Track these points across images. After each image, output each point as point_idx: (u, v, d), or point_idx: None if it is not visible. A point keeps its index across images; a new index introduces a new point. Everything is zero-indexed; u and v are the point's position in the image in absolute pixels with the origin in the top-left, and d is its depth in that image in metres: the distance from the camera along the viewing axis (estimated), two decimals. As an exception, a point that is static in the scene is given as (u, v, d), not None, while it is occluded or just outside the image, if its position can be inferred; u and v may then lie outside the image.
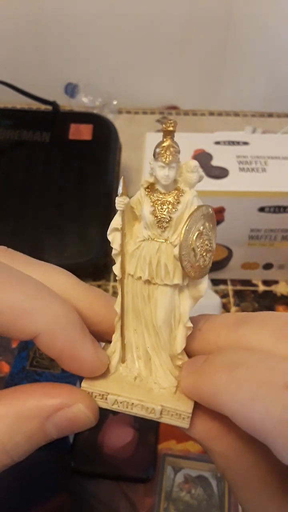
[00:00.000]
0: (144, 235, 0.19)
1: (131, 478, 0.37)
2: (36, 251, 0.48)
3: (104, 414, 0.39)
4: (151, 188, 0.19)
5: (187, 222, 0.18)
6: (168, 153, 0.18)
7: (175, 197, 0.18)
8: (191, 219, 0.18)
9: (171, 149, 0.18)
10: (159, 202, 0.18)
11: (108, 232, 0.20)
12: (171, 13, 0.71)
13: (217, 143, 0.48)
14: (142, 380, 0.20)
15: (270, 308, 0.51)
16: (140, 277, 0.19)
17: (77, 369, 0.19)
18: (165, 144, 0.18)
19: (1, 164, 0.55)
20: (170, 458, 0.38)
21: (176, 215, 0.18)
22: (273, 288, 0.53)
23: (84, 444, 0.38)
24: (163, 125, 0.18)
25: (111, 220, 0.19)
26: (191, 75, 0.78)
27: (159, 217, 0.18)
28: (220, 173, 0.45)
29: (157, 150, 0.18)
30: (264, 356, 0.16)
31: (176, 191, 0.18)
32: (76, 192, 0.53)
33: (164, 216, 0.18)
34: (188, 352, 0.20)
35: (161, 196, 0.18)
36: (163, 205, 0.18)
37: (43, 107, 0.63)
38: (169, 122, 0.18)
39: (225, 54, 0.75)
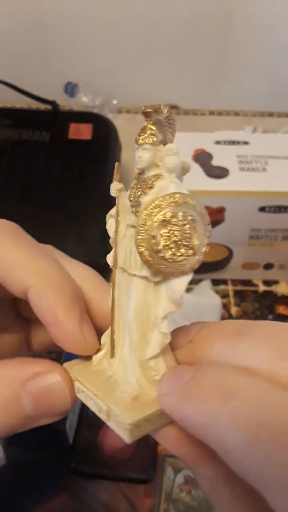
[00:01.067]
0: (127, 222, 0.19)
1: (131, 479, 0.37)
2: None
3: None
4: (139, 175, 0.18)
5: (150, 206, 0.17)
6: (142, 135, 0.17)
7: (150, 182, 0.17)
8: (156, 203, 0.17)
9: (147, 131, 0.17)
10: (136, 186, 0.18)
11: (106, 220, 0.19)
12: (171, 13, 0.71)
13: (218, 142, 0.48)
14: (115, 381, 0.18)
15: (271, 308, 0.51)
16: (119, 265, 0.18)
17: (59, 339, 0.18)
18: (144, 126, 0.18)
19: (1, 163, 0.55)
20: (170, 459, 0.38)
21: (145, 200, 0.17)
22: (273, 288, 0.52)
23: (84, 445, 0.38)
24: (143, 108, 0.18)
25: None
26: (191, 75, 0.78)
27: (131, 201, 0.18)
28: (220, 172, 0.45)
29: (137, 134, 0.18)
30: (266, 387, 0.14)
31: (155, 176, 0.17)
32: (76, 192, 0.53)
33: (135, 200, 0.18)
34: None
35: (140, 181, 0.18)
36: (138, 190, 0.18)
37: (42, 106, 0.63)
38: (152, 105, 0.17)
39: (225, 53, 0.75)
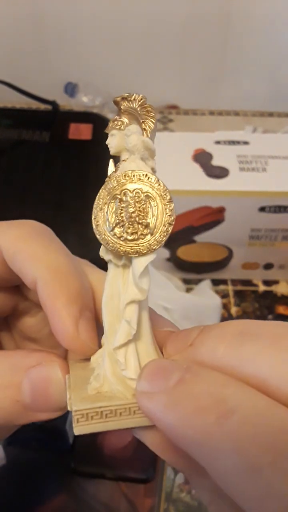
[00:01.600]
0: None
1: (131, 478, 0.37)
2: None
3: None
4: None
5: (108, 184, 0.17)
6: (110, 122, 0.18)
7: (118, 165, 0.18)
8: (110, 181, 0.17)
9: (116, 117, 0.18)
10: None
11: None
12: (171, 12, 0.71)
13: (218, 142, 0.48)
14: (97, 374, 0.17)
15: (271, 308, 0.51)
16: None
17: (55, 332, 0.18)
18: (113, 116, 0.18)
19: (1, 163, 0.55)
20: (170, 459, 0.38)
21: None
22: (273, 288, 0.52)
23: (84, 445, 0.38)
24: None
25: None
26: (191, 75, 0.78)
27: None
28: (220, 172, 0.45)
29: None
30: (267, 403, 0.12)
31: (123, 160, 0.17)
32: (75, 192, 0.53)
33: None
34: None
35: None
36: (109, 178, 0.18)
37: (42, 106, 0.63)
38: (122, 95, 0.17)
39: (225, 53, 0.75)
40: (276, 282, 0.53)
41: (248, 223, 0.46)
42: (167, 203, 0.16)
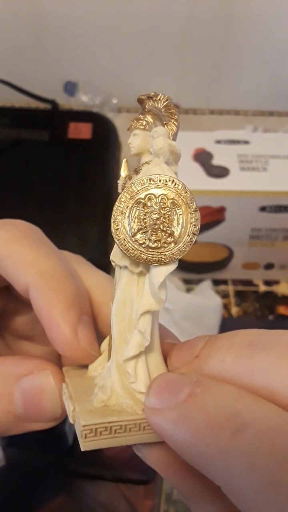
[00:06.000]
0: None
1: (131, 480, 0.37)
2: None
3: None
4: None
5: (128, 188, 0.16)
6: (133, 121, 0.17)
7: (138, 168, 0.17)
8: (134, 184, 0.16)
9: (140, 116, 0.17)
10: (128, 175, 0.17)
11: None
12: (172, 11, 0.70)
13: (218, 142, 0.48)
14: (101, 387, 0.17)
15: (271, 308, 0.51)
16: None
17: (53, 340, 0.17)
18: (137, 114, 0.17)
19: (0, 163, 0.55)
20: (171, 460, 0.38)
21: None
22: (274, 288, 0.52)
23: (83, 446, 0.38)
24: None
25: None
26: (191, 74, 0.77)
27: (122, 189, 0.17)
28: (220, 172, 0.45)
29: None
30: (283, 416, 0.12)
31: (144, 163, 0.16)
32: (75, 192, 0.52)
33: (122, 187, 0.17)
34: None
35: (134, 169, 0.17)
36: (129, 178, 0.17)
37: (42, 105, 0.63)
38: (148, 93, 0.17)
39: (226, 52, 0.75)
40: (276, 282, 0.53)
41: (249, 223, 0.46)
42: (193, 212, 0.16)
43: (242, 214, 0.45)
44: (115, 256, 0.17)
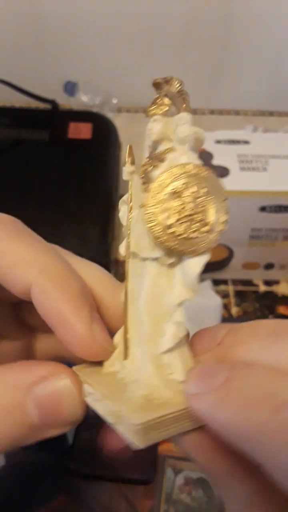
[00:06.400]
0: (139, 203, 0.17)
1: (131, 480, 0.37)
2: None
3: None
4: (151, 152, 0.17)
5: (160, 178, 0.15)
6: (152, 106, 0.16)
7: (162, 155, 0.16)
8: (166, 175, 0.15)
9: (158, 101, 0.16)
10: (149, 163, 0.16)
11: (118, 208, 0.18)
12: (172, 11, 0.70)
13: (218, 142, 0.48)
14: (127, 383, 0.16)
15: (271, 308, 0.51)
16: (133, 252, 0.17)
17: (67, 341, 0.16)
18: (153, 98, 0.16)
19: (0, 163, 0.55)
20: (171, 460, 0.38)
21: (156, 173, 0.16)
22: (274, 288, 0.52)
23: (83, 446, 0.38)
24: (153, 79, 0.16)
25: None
26: (191, 73, 0.77)
27: (143, 178, 0.16)
28: (220, 172, 0.45)
29: None
30: None
31: (167, 150, 0.16)
32: (75, 192, 0.52)
33: (146, 176, 0.16)
34: None
35: (153, 157, 0.16)
36: (150, 165, 0.16)
37: (42, 105, 0.63)
38: (163, 77, 0.16)
39: (226, 52, 0.74)
40: (277, 282, 0.53)
41: (249, 223, 0.46)
42: (224, 201, 0.16)
43: (242, 214, 0.45)
44: (142, 248, 0.16)
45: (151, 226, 0.15)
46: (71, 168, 0.54)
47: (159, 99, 0.16)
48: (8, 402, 0.15)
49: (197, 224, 0.15)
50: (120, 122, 0.62)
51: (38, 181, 0.53)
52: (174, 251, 0.15)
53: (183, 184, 0.15)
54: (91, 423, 0.39)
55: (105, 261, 0.51)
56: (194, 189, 0.15)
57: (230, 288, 0.52)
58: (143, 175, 0.16)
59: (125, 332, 0.17)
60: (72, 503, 0.36)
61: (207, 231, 0.15)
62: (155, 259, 0.16)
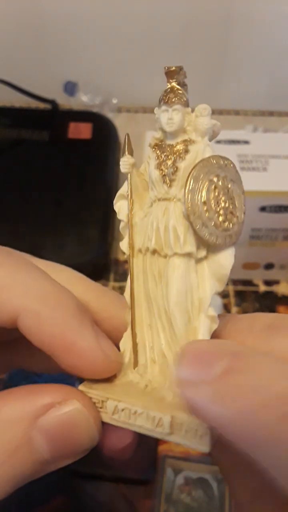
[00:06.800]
0: (151, 197, 0.16)
1: (130, 480, 0.37)
2: (35, 251, 0.48)
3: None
4: (157, 145, 0.16)
5: (194, 169, 0.15)
6: (171, 95, 0.16)
7: (183, 146, 0.16)
8: (200, 167, 0.15)
9: (175, 90, 0.16)
10: (165, 154, 0.16)
11: (114, 202, 0.17)
12: (171, 11, 0.70)
13: (218, 142, 0.48)
14: (155, 388, 0.15)
15: (271, 308, 0.51)
16: (148, 249, 0.16)
17: (74, 365, 0.14)
18: (168, 87, 0.16)
19: (0, 163, 0.55)
20: (170, 460, 0.38)
21: (183, 165, 0.15)
22: (274, 288, 0.52)
23: (83, 446, 0.38)
24: (164, 68, 0.16)
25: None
26: (191, 73, 0.77)
27: (163, 170, 0.16)
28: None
29: (160, 96, 0.16)
30: None
31: (185, 142, 0.16)
32: (75, 191, 0.52)
33: (169, 167, 0.15)
34: None
35: (168, 148, 0.16)
36: (169, 156, 0.16)
37: (42, 105, 0.63)
38: (176, 66, 0.16)
39: (226, 52, 0.74)
40: (277, 282, 0.53)
41: (249, 223, 0.46)
42: (243, 192, 0.16)
43: (242, 214, 0.45)
44: (160, 243, 0.15)
45: (193, 221, 0.15)
46: (71, 168, 0.54)
47: (176, 88, 0.16)
48: (12, 439, 0.13)
49: (230, 215, 0.15)
50: (120, 122, 0.62)
51: (38, 181, 0.53)
52: (212, 244, 0.15)
53: (216, 176, 0.15)
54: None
55: (105, 261, 0.51)
56: (225, 181, 0.15)
57: (230, 288, 0.52)
58: (162, 168, 0.16)
59: (133, 337, 0.16)
60: (72, 503, 0.36)
61: (236, 223, 0.15)
62: (186, 254, 0.15)
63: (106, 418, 0.15)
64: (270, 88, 0.77)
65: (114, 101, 0.72)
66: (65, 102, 0.70)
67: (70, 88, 0.72)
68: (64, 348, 0.14)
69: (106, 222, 0.50)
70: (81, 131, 0.57)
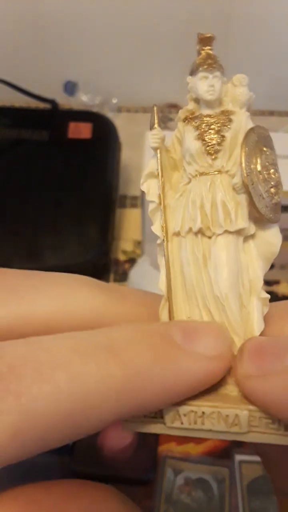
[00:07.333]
0: (191, 173, 0.14)
1: (130, 480, 0.37)
2: (35, 251, 0.48)
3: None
4: (190, 117, 0.15)
5: (247, 137, 0.14)
6: (209, 61, 0.15)
7: (225, 116, 0.15)
8: (251, 135, 0.14)
9: (213, 57, 0.15)
10: (205, 124, 0.14)
11: (141, 182, 0.15)
12: (172, 10, 0.70)
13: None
14: (211, 386, 0.13)
15: (271, 308, 0.51)
16: (191, 230, 0.14)
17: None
18: (203, 53, 0.15)
19: (0, 163, 0.55)
20: (170, 460, 0.38)
21: (230, 134, 0.14)
22: (274, 288, 0.52)
23: (83, 446, 0.38)
24: (199, 34, 0.15)
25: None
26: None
27: (207, 140, 0.14)
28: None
29: (195, 63, 0.15)
30: None
31: (224, 112, 0.15)
32: (75, 191, 0.52)
33: (214, 137, 0.14)
34: None
35: (206, 119, 0.15)
36: (211, 126, 0.14)
37: (42, 105, 0.63)
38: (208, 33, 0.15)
39: (226, 52, 0.74)
40: (277, 282, 0.52)
41: (249, 222, 0.46)
42: (277, 162, 0.15)
43: (242, 214, 0.45)
44: (207, 222, 0.14)
45: (251, 190, 0.13)
46: (71, 168, 0.54)
47: (213, 56, 0.15)
48: None
49: (280, 186, 0.14)
50: (120, 121, 0.62)
51: (38, 181, 0.53)
52: (266, 218, 0.14)
53: (264, 146, 0.14)
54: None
55: (105, 261, 0.51)
56: (271, 152, 0.14)
57: (230, 288, 0.52)
58: (205, 138, 0.14)
59: None
60: (72, 503, 0.36)
61: (282, 195, 0.14)
62: (236, 232, 0.14)
63: (161, 430, 0.13)
64: (270, 88, 0.77)
65: (114, 101, 0.72)
66: (65, 102, 0.70)
67: (70, 88, 0.72)
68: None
69: (106, 222, 0.50)
70: (81, 131, 0.57)
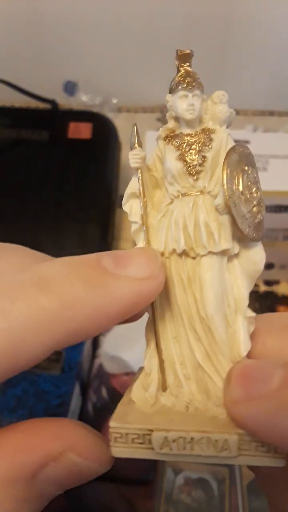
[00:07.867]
0: (173, 193, 0.14)
1: (130, 480, 0.37)
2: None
3: (103, 415, 0.39)
4: (171, 136, 0.15)
5: (228, 157, 0.13)
6: (189, 79, 0.15)
7: (205, 135, 0.14)
8: (232, 156, 0.13)
9: (192, 74, 0.15)
10: (185, 144, 0.14)
11: (123, 202, 0.15)
12: (171, 11, 0.70)
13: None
14: (198, 408, 0.13)
15: (272, 308, 0.51)
16: (174, 251, 0.14)
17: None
18: (182, 70, 0.15)
19: (0, 163, 0.55)
20: (170, 460, 0.38)
21: (211, 155, 0.14)
22: (274, 288, 0.52)
23: (83, 446, 0.38)
24: (178, 51, 0.15)
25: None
26: (191, 74, 0.77)
27: (188, 161, 0.14)
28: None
29: (174, 80, 0.14)
30: None
31: (204, 130, 0.14)
32: (75, 192, 0.52)
33: (195, 158, 0.14)
34: None
35: (186, 138, 0.14)
36: (192, 146, 0.14)
37: (42, 105, 0.63)
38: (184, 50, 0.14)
39: (226, 52, 0.74)
40: (276, 282, 0.52)
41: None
42: (258, 178, 0.15)
43: (242, 214, 0.45)
44: (191, 243, 0.14)
45: (236, 215, 0.13)
46: (71, 168, 0.54)
47: (192, 73, 0.15)
48: (19, 492, 0.12)
49: (263, 205, 0.14)
50: (120, 122, 0.62)
51: (38, 181, 0.53)
52: (249, 238, 0.13)
53: (246, 165, 0.14)
54: (90, 424, 0.39)
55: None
56: (252, 170, 0.14)
57: (230, 288, 0.52)
58: (187, 159, 0.14)
59: (159, 355, 0.14)
60: (71, 504, 0.36)
61: (264, 214, 0.14)
62: (220, 252, 0.14)
63: (150, 455, 0.13)
64: (270, 88, 0.77)
65: (114, 101, 0.72)
66: (65, 102, 0.70)
67: (70, 88, 0.72)
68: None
69: (106, 222, 0.50)
70: (81, 131, 0.57)
